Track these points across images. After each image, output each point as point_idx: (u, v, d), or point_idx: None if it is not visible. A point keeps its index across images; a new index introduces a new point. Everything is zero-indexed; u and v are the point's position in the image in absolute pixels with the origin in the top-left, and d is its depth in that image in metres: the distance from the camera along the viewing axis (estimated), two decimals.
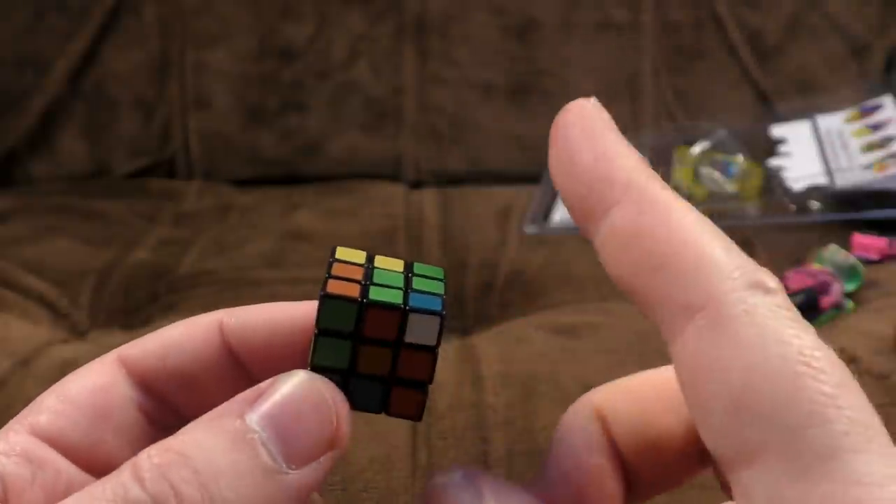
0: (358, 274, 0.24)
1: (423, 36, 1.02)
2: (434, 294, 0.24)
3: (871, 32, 1.03)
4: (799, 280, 0.66)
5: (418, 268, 0.25)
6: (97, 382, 0.25)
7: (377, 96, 1.01)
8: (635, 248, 0.20)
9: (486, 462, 0.45)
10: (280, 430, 0.22)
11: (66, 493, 0.23)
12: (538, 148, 0.99)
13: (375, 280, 0.24)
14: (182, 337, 0.26)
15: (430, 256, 0.79)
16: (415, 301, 0.23)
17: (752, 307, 0.19)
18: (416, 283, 0.24)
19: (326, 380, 0.23)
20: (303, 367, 0.23)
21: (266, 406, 0.22)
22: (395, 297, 0.23)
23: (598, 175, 0.21)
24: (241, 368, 0.25)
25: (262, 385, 0.22)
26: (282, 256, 0.79)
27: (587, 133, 0.21)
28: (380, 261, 0.25)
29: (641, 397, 0.23)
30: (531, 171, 0.95)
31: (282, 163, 1.00)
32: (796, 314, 0.19)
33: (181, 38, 1.01)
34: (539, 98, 1.01)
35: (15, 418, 0.24)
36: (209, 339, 0.25)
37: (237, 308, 0.26)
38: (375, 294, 0.23)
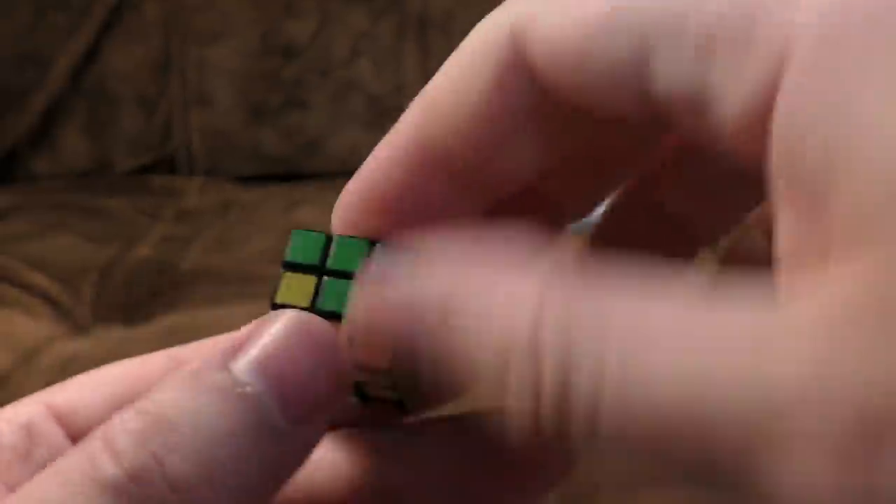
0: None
1: (425, 33, 1.02)
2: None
3: None
4: None
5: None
6: (129, 369, 0.22)
7: (379, 94, 1.01)
8: None
9: None
10: (275, 377, 0.18)
11: None
12: None
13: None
14: None
15: None
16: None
17: None
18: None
19: (318, 317, 0.19)
20: None
21: (254, 352, 0.18)
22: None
23: None
24: None
25: (243, 330, 0.19)
26: (283, 253, 0.79)
27: None
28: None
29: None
30: None
31: (283, 160, 1.00)
32: None
33: (183, 35, 1.01)
34: None
35: (43, 390, 0.22)
36: None
37: None
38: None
